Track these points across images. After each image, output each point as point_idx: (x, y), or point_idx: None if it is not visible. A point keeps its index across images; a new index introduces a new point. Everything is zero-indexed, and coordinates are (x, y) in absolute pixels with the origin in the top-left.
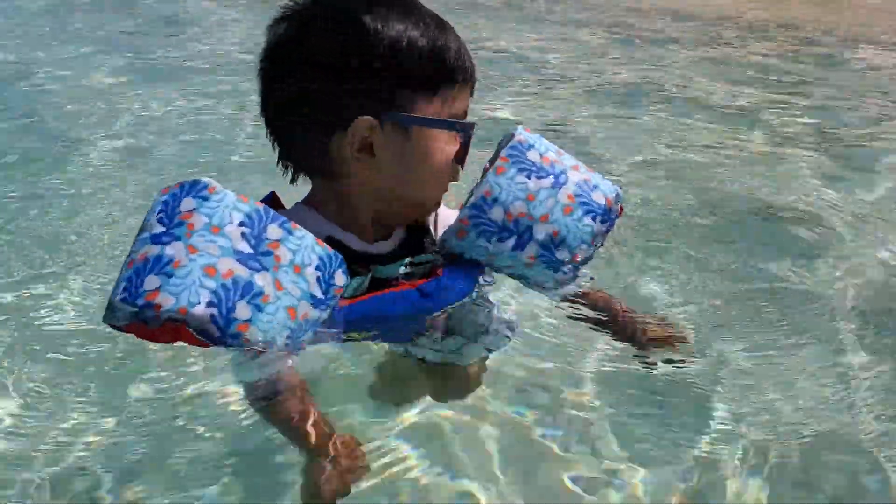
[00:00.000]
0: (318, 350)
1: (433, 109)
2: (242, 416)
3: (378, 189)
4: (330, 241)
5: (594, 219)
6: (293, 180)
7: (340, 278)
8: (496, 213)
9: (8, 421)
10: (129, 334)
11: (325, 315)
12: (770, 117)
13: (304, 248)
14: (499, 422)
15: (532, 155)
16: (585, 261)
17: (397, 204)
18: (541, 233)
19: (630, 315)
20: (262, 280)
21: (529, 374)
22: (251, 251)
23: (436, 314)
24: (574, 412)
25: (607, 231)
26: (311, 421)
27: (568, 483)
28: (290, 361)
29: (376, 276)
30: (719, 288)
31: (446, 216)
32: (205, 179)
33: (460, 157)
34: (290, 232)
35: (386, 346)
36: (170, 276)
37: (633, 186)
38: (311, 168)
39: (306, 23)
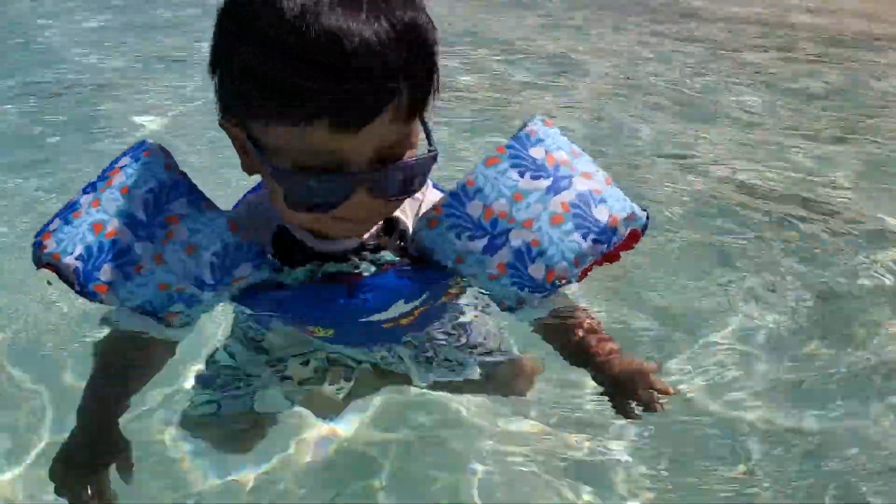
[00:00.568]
0: None
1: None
2: None
3: None
4: (282, 232)
5: (585, 236)
6: None
7: (245, 269)
8: (474, 208)
9: None
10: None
11: (209, 297)
12: None
13: (209, 230)
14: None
15: (536, 151)
16: (563, 282)
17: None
18: (517, 239)
19: (610, 360)
20: (141, 250)
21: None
22: (143, 219)
23: (379, 316)
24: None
25: (603, 255)
26: (94, 409)
27: None
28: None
29: (328, 271)
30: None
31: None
32: (149, 142)
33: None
34: (199, 211)
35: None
36: (66, 223)
37: None
38: None
39: None
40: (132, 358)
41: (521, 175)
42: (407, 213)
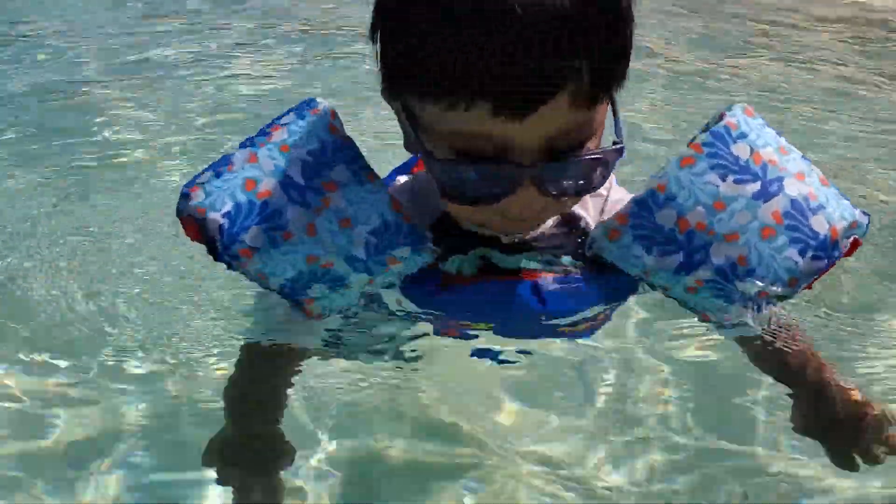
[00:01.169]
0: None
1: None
2: None
3: None
4: (445, 218)
5: (802, 252)
6: None
7: (403, 251)
8: (665, 218)
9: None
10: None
11: (356, 280)
12: None
13: (368, 205)
14: None
15: (739, 148)
16: (776, 301)
17: None
18: (720, 256)
19: (830, 396)
20: (293, 214)
21: None
22: (301, 182)
23: (557, 320)
24: None
25: (819, 271)
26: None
27: None
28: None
29: (493, 262)
30: None
31: (617, 203)
32: (318, 100)
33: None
34: (360, 182)
35: None
36: (218, 176)
37: None
38: None
39: None
40: (277, 368)
41: (723, 178)
42: (589, 209)
